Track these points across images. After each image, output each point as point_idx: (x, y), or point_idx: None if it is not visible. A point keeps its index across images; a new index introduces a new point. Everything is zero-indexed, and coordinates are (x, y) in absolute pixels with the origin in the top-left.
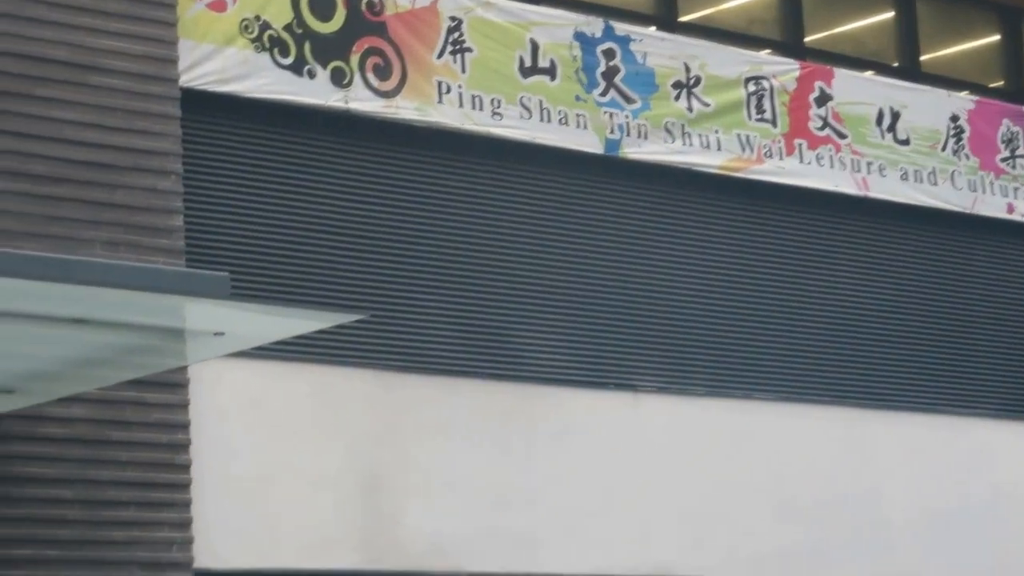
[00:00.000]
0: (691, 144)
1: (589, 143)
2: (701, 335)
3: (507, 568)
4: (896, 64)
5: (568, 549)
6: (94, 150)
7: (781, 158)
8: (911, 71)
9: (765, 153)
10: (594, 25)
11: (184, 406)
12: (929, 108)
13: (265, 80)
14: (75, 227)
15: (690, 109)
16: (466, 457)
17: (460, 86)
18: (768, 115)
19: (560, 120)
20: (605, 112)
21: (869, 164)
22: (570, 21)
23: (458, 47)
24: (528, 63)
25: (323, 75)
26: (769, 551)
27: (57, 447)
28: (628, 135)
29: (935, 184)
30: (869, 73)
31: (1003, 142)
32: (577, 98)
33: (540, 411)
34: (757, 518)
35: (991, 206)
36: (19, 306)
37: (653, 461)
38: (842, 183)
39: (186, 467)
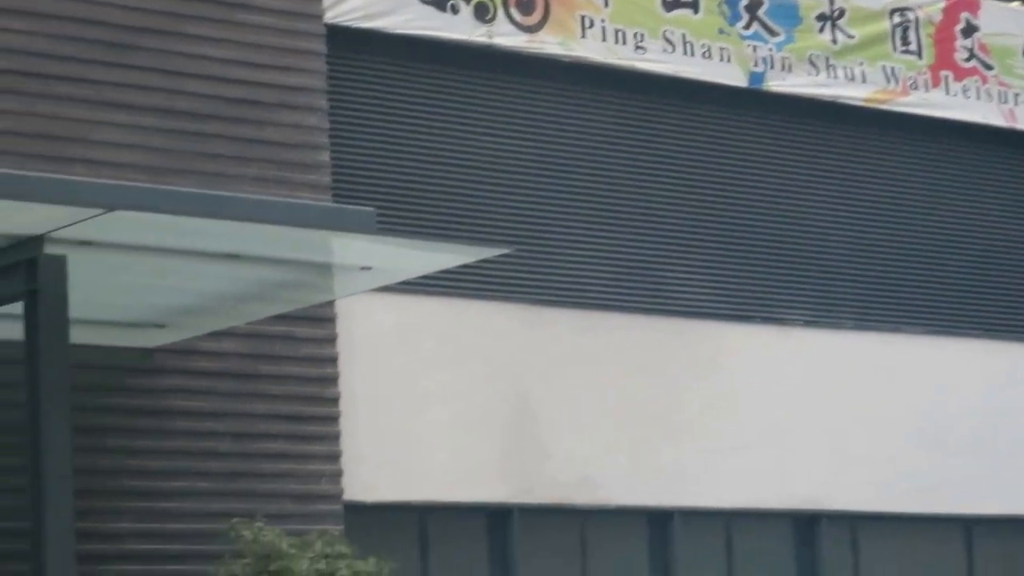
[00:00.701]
0: (835, 76)
1: (733, 76)
2: (849, 268)
3: (656, 502)
4: None
5: (716, 483)
6: (242, 87)
7: (927, 90)
8: None
9: (911, 85)
10: None
11: (332, 340)
12: None
13: (408, 15)
14: (224, 163)
15: (834, 41)
16: (614, 390)
17: (603, 20)
18: (913, 47)
19: (703, 53)
20: (748, 45)
21: (1016, 95)
22: None
23: None
24: None
25: (466, 10)
26: (917, 484)
27: (209, 381)
28: (772, 68)
29: None
30: (1015, 4)
31: None
32: (720, 31)
33: (688, 345)
34: (905, 450)
35: None
36: (171, 242)
37: (801, 394)
38: (989, 115)
39: (335, 400)
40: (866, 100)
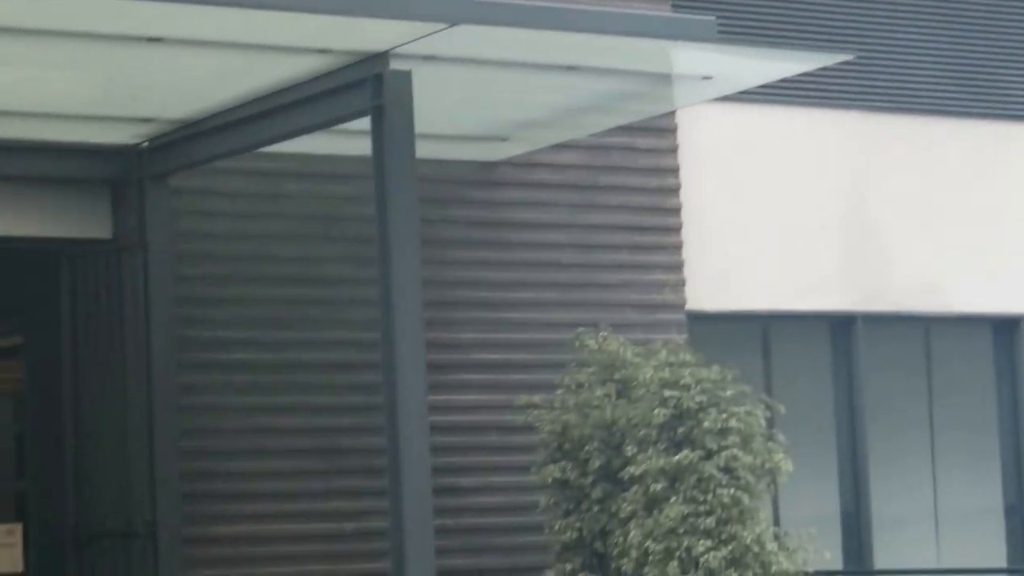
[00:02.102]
0: None
1: None
2: None
3: (1001, 308)
4: None
5: None
6: None
7: None
8: None
9: None
10: None
11: (672, 151)
12: None
13: None
14: None
15: None
16: (952, 195)
17: None
18: None
19: None
20: None
21: None
22: None
23: None
24: None
25: None
26: None
27: (550, 193)
28: None
29: None
30: None
31: None
32: None
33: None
34: None
35: None
36: (513, 55)
37: None
38: None
39: (676, 211)
40: None
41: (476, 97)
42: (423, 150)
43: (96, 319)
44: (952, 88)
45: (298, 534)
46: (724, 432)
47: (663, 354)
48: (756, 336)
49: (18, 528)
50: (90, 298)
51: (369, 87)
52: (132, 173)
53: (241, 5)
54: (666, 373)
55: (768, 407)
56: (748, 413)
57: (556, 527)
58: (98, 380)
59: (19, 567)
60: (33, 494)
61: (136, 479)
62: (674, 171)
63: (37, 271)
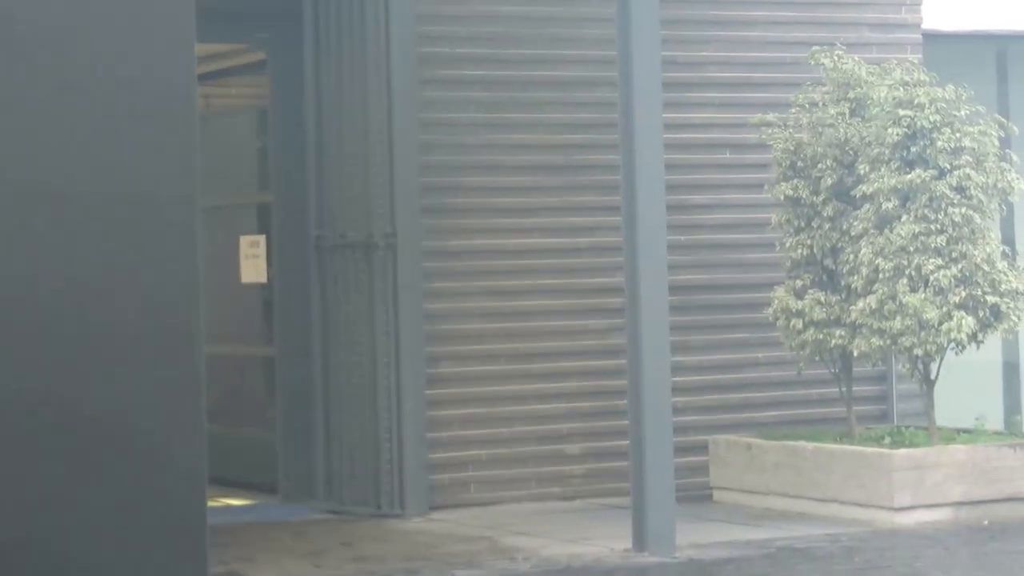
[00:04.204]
0: None
1: None
2: None
3: None
4: None
5: None
6: None
7: None
8: None
9: None
10: None
11: None
12: None
13: None
14: None
15: None
16: None
17: None
18: None
19: None
20: None
21: None
22: None
23: None
24: None
25: None
26: None
27: None
28: None
29: None
30: None
31: None
32: None
33: None
34: None
35: None
36: None
37: None
38: None
39: None
40: None
41: None
42: None
43: (338, 35)
44: None
45: (534, 247)
46: (957, 151)
47: (897, 73)
48: (992, 57)
49: (262, 239)
50: (331, 13)
51: None
52: None
53: None
54: (900, 92)
55: (1002, 127)
56: (982, 132)
57: (787, 244)
58: (339, 96)
59: (263, 277)
60: (277, 207)
61: (377, 192)
62: None
63: None
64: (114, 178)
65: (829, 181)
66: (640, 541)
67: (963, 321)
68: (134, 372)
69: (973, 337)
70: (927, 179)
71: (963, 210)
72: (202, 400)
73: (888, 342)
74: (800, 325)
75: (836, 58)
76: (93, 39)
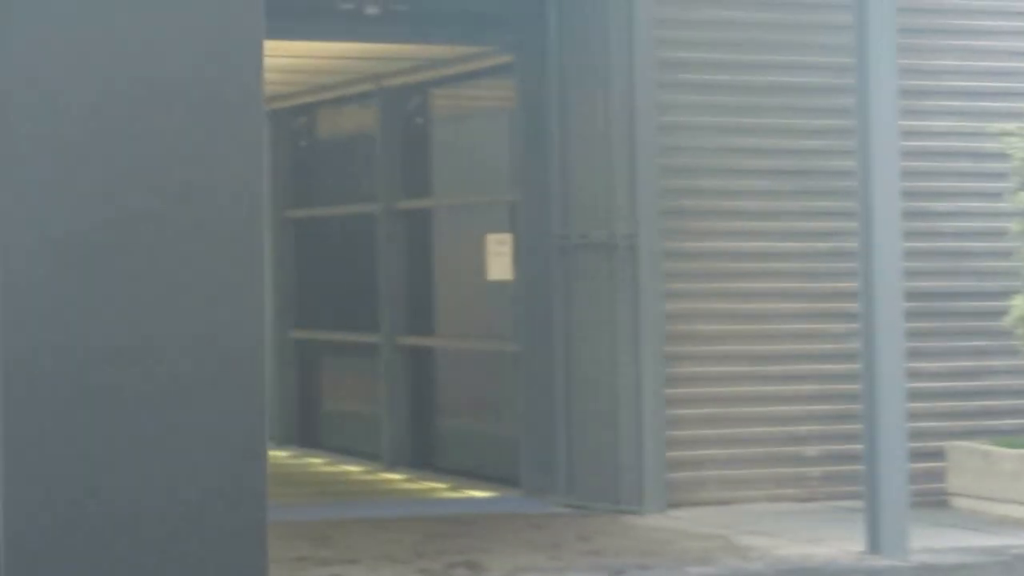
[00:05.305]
0: None
1: None
2: None
3: None
4: None
5: None
6: None
7: None
8: None
9: None
10: None
11: None
12: None
13: None
14: None
15: None
16: None
17: None
18: None
19: None
20: None
21: None
22: None
23: None
24: None
25: None
26: None
27: None
28: None
29: None
30: None
31: None
32: None
33: None
34: None
35: None
36: None
37: None
38: None
39: None
40: None
41: None
42: None
43: (584, 38)
44: None
45: (772, 251)
46: None
47: None
48: None
49: (509, 238)
50: (575, 16)
51: None
52: None
53: None
54: None
55: None
56: None
57: None
58: (582, 99)
59: (509, 275)
60: (523, 206)
61: (618, 194)
62: None
63: None
64: (181, 179)
65: None
66: (873, 544)
67: None
68: (194, 379)
69: None
70: None
71: None
72: (265, 418)
73: None
74: None
75: None
76: (158, 37)
